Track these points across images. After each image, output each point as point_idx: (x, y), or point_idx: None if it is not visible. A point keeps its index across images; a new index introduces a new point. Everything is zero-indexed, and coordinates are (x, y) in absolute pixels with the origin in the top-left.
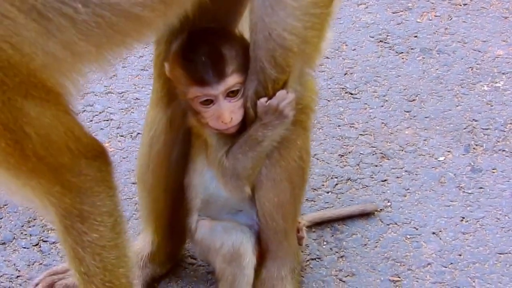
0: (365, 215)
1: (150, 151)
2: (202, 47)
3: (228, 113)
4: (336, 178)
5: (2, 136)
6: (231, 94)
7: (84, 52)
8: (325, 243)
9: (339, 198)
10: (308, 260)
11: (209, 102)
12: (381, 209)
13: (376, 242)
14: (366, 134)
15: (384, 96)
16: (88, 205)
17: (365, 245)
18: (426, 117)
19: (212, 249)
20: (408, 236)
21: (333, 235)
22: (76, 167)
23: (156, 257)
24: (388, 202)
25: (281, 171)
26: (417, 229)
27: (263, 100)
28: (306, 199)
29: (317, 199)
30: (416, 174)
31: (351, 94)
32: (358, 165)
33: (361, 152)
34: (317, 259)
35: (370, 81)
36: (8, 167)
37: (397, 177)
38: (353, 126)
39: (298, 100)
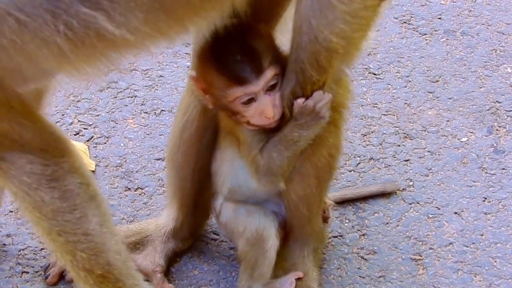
0: (387, 194)
1: (182, 134)
2: (232, 46)
3: (271, 107)
4: (359, 157)
5: None
6: (270, 87)
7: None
8: (347, 221)
9: (361, 177)
10: (330, 238)
11: (250, 100)
12: (403, 189)
13: (398, 221)
14: (389, 114)
15: (408, 77)
16: (20, 190)
17: (387, 223)
18: (449, 98)
19: (236, 232)
20: (430, 216)
21: (355, 214)
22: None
23: (179, 232)
24: (411, 181)
25: (310, 166)
26: (439, 209)
27: (300, 100)
28: None
29: (339, 177)
30: (438, 155)
31: (375, 74)
32: (381, 144)
33: (384, 132)
34: (339, 237)
35: (394, 62)
36: None
37: (420, 157)
38: (376, 106)
39: (333, 98)
